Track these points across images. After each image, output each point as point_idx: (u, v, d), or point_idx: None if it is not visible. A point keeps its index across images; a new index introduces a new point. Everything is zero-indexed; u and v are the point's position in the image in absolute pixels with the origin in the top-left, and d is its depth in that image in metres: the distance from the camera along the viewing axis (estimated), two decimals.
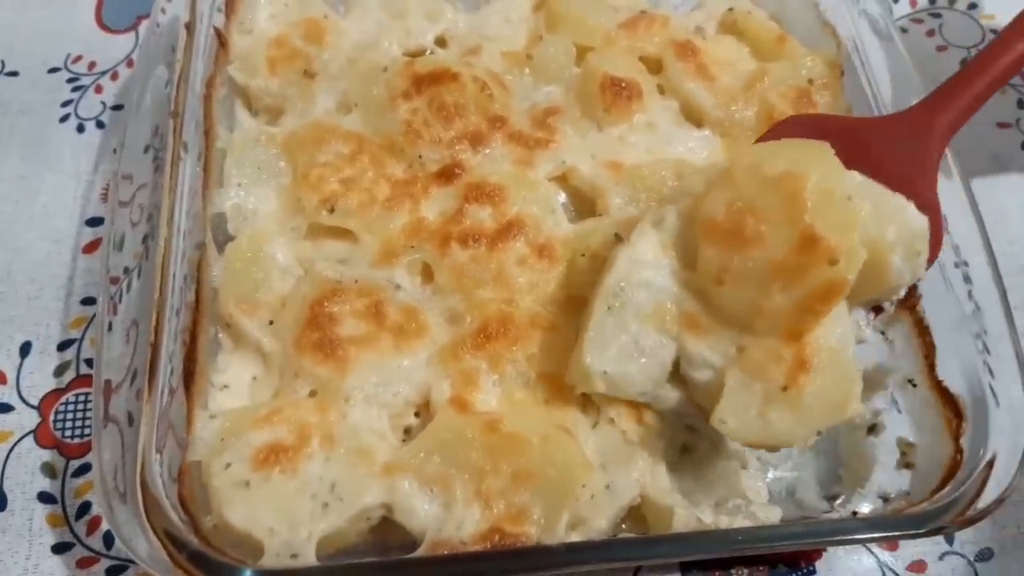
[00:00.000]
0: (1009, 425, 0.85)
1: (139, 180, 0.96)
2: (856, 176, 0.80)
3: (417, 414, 0.90)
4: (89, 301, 1.10)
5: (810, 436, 0.78)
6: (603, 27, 1.15)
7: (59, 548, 0.95)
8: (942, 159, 0.92)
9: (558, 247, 0.97)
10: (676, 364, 0.84)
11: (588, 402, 0.88)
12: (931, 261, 0.84)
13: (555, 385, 0.88)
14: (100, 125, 1.25)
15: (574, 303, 0.92)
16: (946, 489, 0.83)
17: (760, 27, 1.18)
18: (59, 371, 1.05)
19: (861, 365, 0.96)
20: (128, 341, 0.86)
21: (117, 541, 0.88)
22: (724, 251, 0.78)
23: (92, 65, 1.31)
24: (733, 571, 0.96)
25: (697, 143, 1.08)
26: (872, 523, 0.83)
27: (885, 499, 0.90)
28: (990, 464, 0.82)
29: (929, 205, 0.85)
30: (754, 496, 0.88)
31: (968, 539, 0.98)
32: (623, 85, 1.07)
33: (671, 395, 0.85)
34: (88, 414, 1.02)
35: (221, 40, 1.10)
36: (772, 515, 0.87)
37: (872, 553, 0.98)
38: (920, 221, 0.81)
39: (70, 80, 1.29)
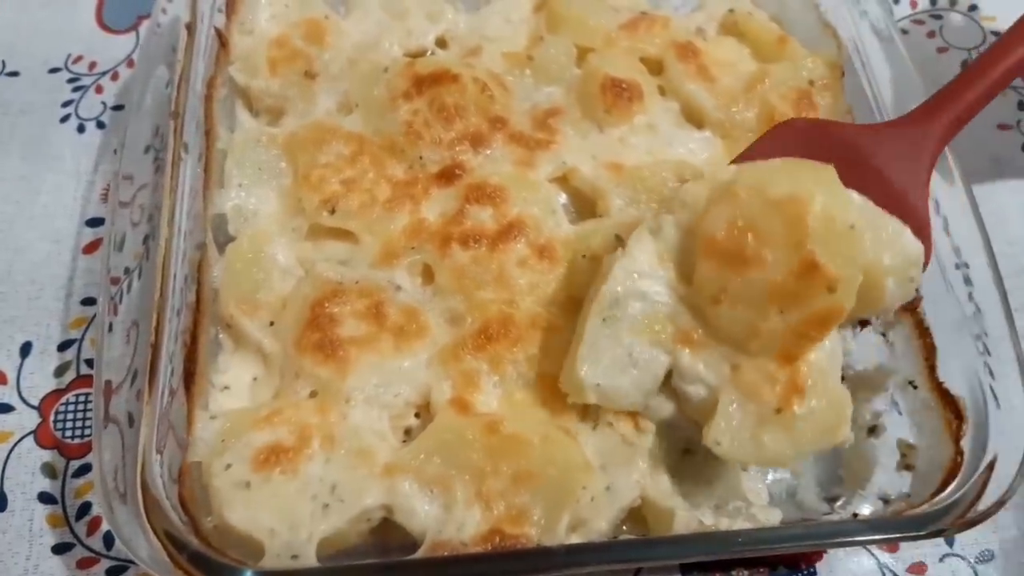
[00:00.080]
0: (1010, 427, 0.85)
1: (140, 180, 0.96)
2: (855, 197, 0.80)
3: (418, 415, 0.90)
4: (89, 301, 1.09)
5: (802, 458, 0.79)
6: (604, 28, 1.15)
7: (59, 548, 0.95)
8: (942, 161, 0.93)
9: (559, 248, 0.97)
10: (668, 376, 0.84)
11: (588, 404, 0.88)
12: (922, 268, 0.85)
13: (556, 386, 0.87)
14: (101, 125, 1.25)
15: (575, 304, 0.92)
16: (947, 491, 0.83)
17: (761, 28, 1.18)
18: (59, 371, 1.05)
19: (862, 366, 0.97)
20: (128, 342, 0.86)
21: (117, 542, 0.88)
22: (723, 270, 0.79)
23: (93, 65, 1.31)
24: (734, 573, 0.96)
25: (698, 144, 1.08)
26: (872, 525, 0.83)
27: (885, 501, 0.89)
28: (991, 466, 0.82)
29: (920, 216, 0.85)
30: (754, 498, 0.88)
31: (969, 541, 0.98)
32: (624, 86, 1.07)
33: (665, 406, 0.85)
34: (88, 414, 1.02)
35: (222, 40, 1.10)
36: (772, 517, 0.86)
37: (872, 555, 0.98)
38: (916, 247, 0.82)
39: (71, 80, 1.29)
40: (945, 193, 0.96)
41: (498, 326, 0.91)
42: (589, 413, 0.87)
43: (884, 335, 0.98)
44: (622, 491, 0.84)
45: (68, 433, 1.01)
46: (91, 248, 1.14)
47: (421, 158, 1.02)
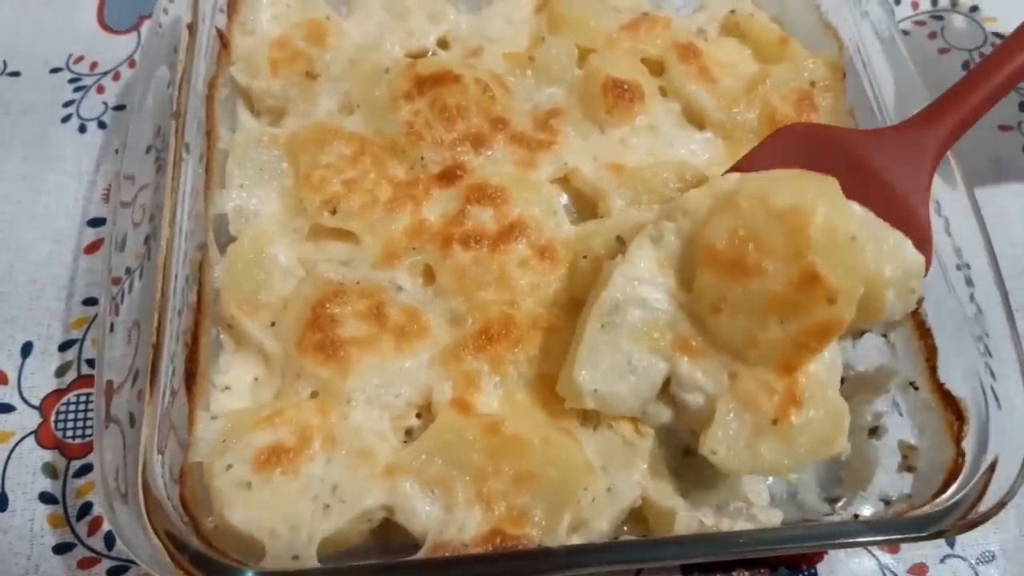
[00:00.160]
0: (1011, 428, 0.85)
1: (141, 181, 0.96)
2: (857, 209, 0.80)
3: (419, 415, 0.90)
4: (91, 301, 1.10)
5: (799, 469, 0.79)
6: (605, 29, 1.15)
7: (60, 549, 0.95)
8: (944, 162, 0.93)
9: (560, 249, 0.97)
10: (666, 383, 0.84)
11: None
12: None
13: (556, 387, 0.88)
14: (102, 125, 1.25)
15: (576, 305, 0.92)
16: (948, 492, 0.82)
17: (762, 29, 1.18)
18: (60, 371, 1.05)
19: (863, 368, 0.97)
20: (130, 342, 0.86)
21: (118, 542, 0.88)
22: (723, 279, 0.79)
23: (94, 65, 1.31)
24: (734, 573, 0.96)
25: (699, 145, 1.08)
26: (873, 526, 0.83)
27: (886, 502, 0.89)
28: (992, 467, 0.82)
29: (921, 221, 0.85)
30: (755, 499, 0.88)
31: (969, 542, 0.98)
32: (625, 87, 1.07)
33: (663, 413, 0.85)
34: (89, 415, 1.02)
35: (223, 41, 1.10)
36: (773, 518, 0.87)
37: (873, 556, 0.98)
38: (917, 259, 0.82)
39: (72, 80, 1.29)
40: (946, 194, 0.95)
41: (499, 327, 0.91)
42: (590, 415, 0.87)
43: (885, 336, 0.98)
44: (623, 492, 0.84)
45: (69, 433, 1.01)
46: (92, 248, 1.14)
47: (422, 159, 1.02)
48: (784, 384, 0.78)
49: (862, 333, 0.89)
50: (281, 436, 0.83)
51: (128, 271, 0.90)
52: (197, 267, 0.94)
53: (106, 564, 0.94)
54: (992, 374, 0.88)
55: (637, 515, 0.87)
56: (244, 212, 1.00)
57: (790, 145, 0.91)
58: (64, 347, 1.07)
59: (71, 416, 1.02)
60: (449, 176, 1.01)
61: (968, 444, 0.86)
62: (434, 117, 1.03)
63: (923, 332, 0.94)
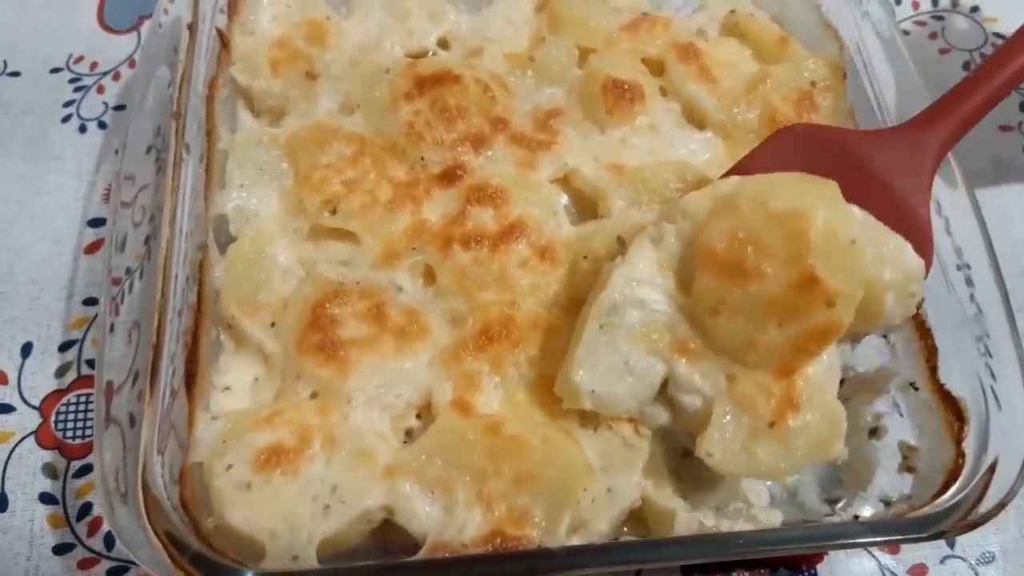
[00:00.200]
0: (1011, 428, 0.84)
1: (141, 181, 0.96)
2: (857, 212, 0.80)
3: (419, 416, 0.90)
4: (91, 302, 1.10)
5: (795, 472, 0.79)
6: (605, 29, 1.15)
7: (60, 549, 0.95)
8: (944, 162, 0.92)
9: (560, 249, 0.97)
10: (664, 384, 0.84)
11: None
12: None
13: None
14: (102, 125, 1.25)
15: (576, 305, 0.92)
16: (948, 493, 0.82)
17: (762, 29, 1.18)
18: (60, 372, 1.05)
19: (863, 368, 0.97)
20: (130, 342, 0.86)
21: (118, 542, 0.88)
22: (722, 282, 0.79)
23: (94, 65, 1.31)
24: (734, 574, 0.96)
25: (699, 145, 1.08)
26: (873, 527, 0.83)
27: (887, 503, 0.89)
28: (992, 468, 0.82)
29: (922, 223, 0.85)
30: (755, 499, 0.88)
31: (970, 543, 0.98)
32: (625, 87, 1.07)
33: (661, 415, 0.85)
34: (89, 415, 1.02)
35: (223, 41, 1.10)
36: (773, 518, 0.86)
37: (873, 556, 0.98)
38: (917, 263, 0.82)
39: (72, 80, 1.29)
40: (946, 194, 0.95)
41: (499, 327, 0.91)
42: (590, 415, 0.87)
43: (885, 337, 0.98)
44: (623, 493, 0.84)
45: (69, 434, 1.01)
46: (92, 248, 1.14)
47: (422, 159, 1.02)
48: (782, 387, 0.78)
49: (861, 337, 0.89)
50: (281, 437, 0.83)
51: (128, 271, 0.90)
52: (197, 267, 0.93)
53: (106, 565, 0.94)
54: (992, 374, 0.88)
55: (637, 516, 0.87)
56: (244, 212, 1.00)
57: (790, 146, 0.91)
58: (64, 347, 1.07)
59: (71, 416, 1.02)
60: (449, 176, 1.01)
61: (968, 445, 0.85)
62: (434, 117, 1.03)
63: (923, 332, 0.94)
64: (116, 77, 1.30)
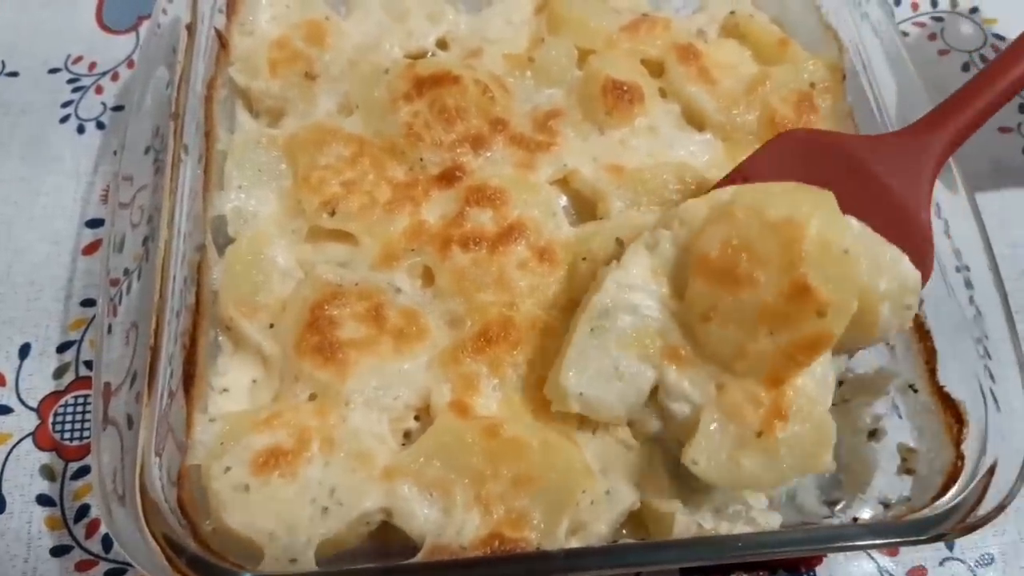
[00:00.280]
0: (1010, 430, 0.84)
1: (139, 182, 0.96)
2: (854, 223, 0.80)
3: (417, 418, 0.90)
4: (89, 303, 1.09)
5: (782, 484, 0.78)
6: (605, 30, 1.15)
7: (58, 551, 0.95)
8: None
9: (559, 251, 0.97)
10: (654, 392, 0.83)
11: None
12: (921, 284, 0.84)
13: None
14: (100, 126, 1.25)
15: (575, 307, 0.91)
16: (947, 495, 0.82)
17: (762, 30, 1.18)
18: (58, 373, 1.05)
19: (862, 370, 0.97)
20: (128, 343, 0.86)
21: (116, 544, 0.88)
22: (714, 288, 0.78)
23: (93, 66, 1.30)
24: None
25: (699, 147, 1.08)
26: (873, 529, 0.83)
27: (886, 505, 0.89)
28: (991, 470, 0.82)
29: (923, 227, 0.85)
30: (754, 501, 0.88)
31: (969, 544, 0.98)
32: (625, 88, 1.06)
33: (651, 422, 0.85)
34: (87, 416, 1.02)
35: (222, 41, 1.10)
36: (772, 521, 0.86)
37: (872, 558, 0.97)
38: (913, 275, 0.81)
39: (70, 81, 1.29)
40: (946, 196, 0.95)
41: (498, 329, 0.90)
42: (588, 417, 0.87)
43: None
44: (622, 495, 0.84)
45: (67, 435, 1.01)
46: (90, 249, 1.14)
47: (421, 160, 1.02)
48: (770, 397, 0.77)
49: (856, 351, 0.88)
50: (279, 439, 0.83)
51: (126, 272, 0.90)
52: (195, 268, 0.93)
53: (104, 567, 0.94)
54: (992, 376, 0.88)
55: (636, 518, 0.87)
56: (242, 213, 0.99)
57: (790, 151, 0.91)
58: (62, 348, 1.06)
59: (69, 418, 1.02)
60: (448, 177, 1.01)
61: (967, 447, 0.85)
62: (433, 118, 1.03)
63: (922, 334, 0.94)
64: (115, 77, 1.29)
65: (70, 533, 0.95)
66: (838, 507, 0.92)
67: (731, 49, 1.17)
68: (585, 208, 1.04)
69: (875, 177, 0.87)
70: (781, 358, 0.77)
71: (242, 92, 1.11)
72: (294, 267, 0.97)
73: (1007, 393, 0.86)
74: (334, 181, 1.00)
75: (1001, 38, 1.37)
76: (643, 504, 0.85)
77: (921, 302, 0.94)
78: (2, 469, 0.99)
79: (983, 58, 1.35)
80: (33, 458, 1.00)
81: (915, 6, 1.42)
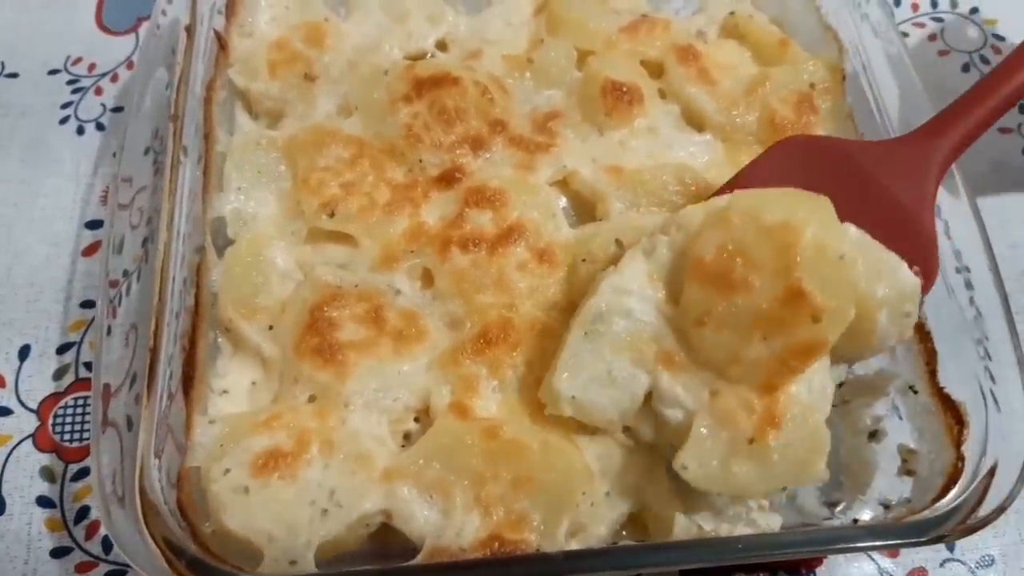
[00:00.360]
0: (1011, 432, 0.84)
1: (139, 183, 0.96)
2: (852, 230, 0.79)
3: (417, 420, 0.90)
4: (88, 304, 1.09)
5: (771, 492, 0.78)
6: (604, 31, 1.15)
7: (58, 552, 0.95)
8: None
9: (558, 252, 0.96)
10: (648, 397, 0.83)
11: None
12: (925, 290, 0.83)
13: None
14: (100, 127, 1.25)
15: (575, 308, 0.91)
16: (947, 497, 0.82)
17: (762, 31, 1.18)
18: (58, 374, 1.05)
19: (862, 371, 0.97)
20: (127, 345, 0.86)
21: (115, 546, 0.88)
22: (709, 293, 0.78)
23: (92, 67, 1.30)
24: None
25: (698, 148, 1.08)
26: (873, 531, 0.83)
27: (886, 506, 0.89)
28: (991, 472, 0.82)
29: (926, 232, 0.85)
30: (754, 503, 0.88)
31: (969, 546, 0.98)
32: (624, 89, 1.06)
33: (646, 428, 0.84)
34: (87, 418, 1.02)
35: (221, 43, 1.10)
36: (772, 522, 0.86)
37: (873, 560, 0.97)
38: (913, 282, 0.80)
39: (70, 82, 1.29)
40: (946, 197, 0.95)
41: (497, 330, 0.90)
42: None
43: None
44: (622, 497, 0.84)
45: (67, 436, 1.01)
46: (90, 251, 1.14)
47: (421, 161, 1.02)
48: (764, 404, 0.76)
49: (856, 360, 0.88)
50: (279, 440, 0.83)
51: (126, 274, 0.90)
52: (195, 270, 0.93)
53: (103, 568, 0.94)
54: (992, 377, 0.87)
55: (636, 520, 0.87)
56: (242, 215, 0.99)
57: (791, 157, 0.91)
58: (62, 350, 1.06)
59: (68, 419, 1.02)
60: (448, 179, 1.01)
61: (968, 448, 0.85)
62: (433, 119, 1.03)
63: (923, 335, 0.94)
64: (114, 79, 1.29)
65: (70, 535, 0.95)
66: (838, 508, 0.91)
67: (731, 50, 1.17)
68: (585, 209, 1.04)
69: (878, 182, 0.87)
70: (775, 364, 0.76)
71: (241, 94, 1.11)
72: (293, 269, 0.97)
73: (1007, 394, 0.86)
74: (333, 183, 1.00)
75: (1001, 39, 1.37)
76: (643, 506, 0.85)
77: (921, 303, 0.94)
78: (2, 471, 0.99)
79: (983, 59, 1.35)
80: (33, 460, 1.00)
81: (915, 7, 1.42)
